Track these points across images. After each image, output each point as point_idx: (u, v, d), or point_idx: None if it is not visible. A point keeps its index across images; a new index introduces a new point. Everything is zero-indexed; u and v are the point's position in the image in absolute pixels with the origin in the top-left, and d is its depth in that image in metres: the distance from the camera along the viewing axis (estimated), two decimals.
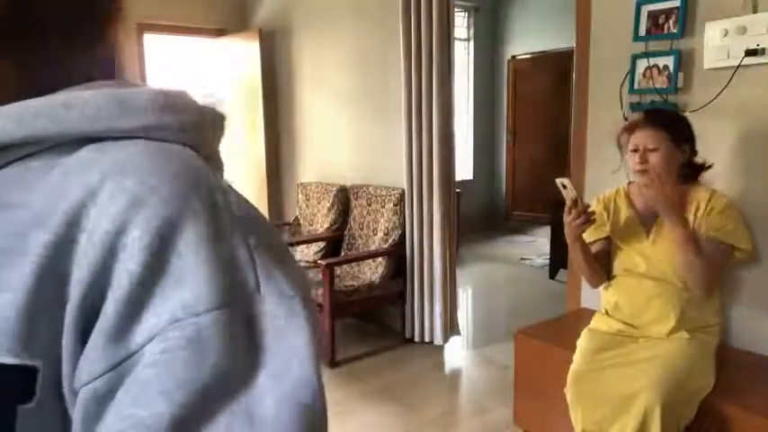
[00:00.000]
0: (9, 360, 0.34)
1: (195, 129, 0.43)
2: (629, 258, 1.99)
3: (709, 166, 1.96)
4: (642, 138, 1.87)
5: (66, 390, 0.35)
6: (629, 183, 2.08)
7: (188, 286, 0.35)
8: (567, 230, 1.94)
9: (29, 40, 0.42)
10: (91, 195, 0.36)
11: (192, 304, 0.34)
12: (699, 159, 1.96)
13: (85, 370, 0.34)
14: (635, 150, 1.89)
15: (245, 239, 0.39)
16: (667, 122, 1.89)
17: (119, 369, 0.34)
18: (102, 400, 0.34)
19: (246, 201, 0.42)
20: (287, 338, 0.37)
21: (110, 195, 0.36)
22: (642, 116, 1.93)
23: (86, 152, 0.39)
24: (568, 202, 1.89)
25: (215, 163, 0.47)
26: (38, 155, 0.39)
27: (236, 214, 0.40)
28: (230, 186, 0.42)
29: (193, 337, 0.34)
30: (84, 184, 0.36)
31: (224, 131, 0.48)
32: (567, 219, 1.90)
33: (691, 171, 1.95)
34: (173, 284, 0.35)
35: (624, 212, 2.03)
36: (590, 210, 1.90)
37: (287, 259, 0.42)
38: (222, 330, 0.35)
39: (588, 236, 2.03)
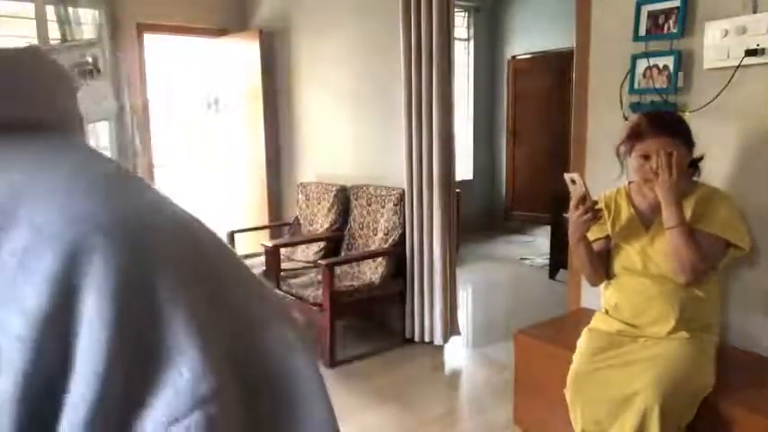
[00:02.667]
0: None
1: (48, 94, 0.32)
2: (628, 257, 1.99)
3: (702, 158, 1.95)
4: (654, 145, 1.83)
5: None
6: (630, 182, 2.08)
7: (184, 362, 0.25)
8: (571, 227, 1.93)
9: None
10: None
11: (191, 390, 0.25)
12: (695, 155, 1.96)
13: None
14: (644, 157, 1.85)
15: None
16: (676, 128, 1.86)
17: None
18: None
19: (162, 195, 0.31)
20: None
21: (25, 250, 0.23)
22: (645, 122, 1.87)
23: None
24: (575, 199, 1.87)
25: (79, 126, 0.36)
26: None
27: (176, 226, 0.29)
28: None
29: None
30: None
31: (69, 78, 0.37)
32: (573, 215, 1.88)
33: (691, 168, 1.95)
34: (162, 367, 0.25)
35: (625, 212, 2.03)
36: (597, 207, 1.89)
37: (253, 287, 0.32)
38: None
39: (589, 235, 2.02)
